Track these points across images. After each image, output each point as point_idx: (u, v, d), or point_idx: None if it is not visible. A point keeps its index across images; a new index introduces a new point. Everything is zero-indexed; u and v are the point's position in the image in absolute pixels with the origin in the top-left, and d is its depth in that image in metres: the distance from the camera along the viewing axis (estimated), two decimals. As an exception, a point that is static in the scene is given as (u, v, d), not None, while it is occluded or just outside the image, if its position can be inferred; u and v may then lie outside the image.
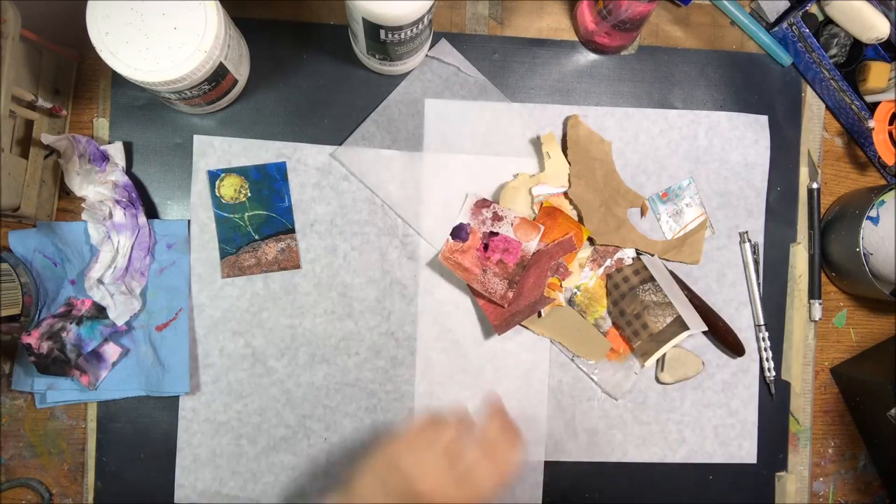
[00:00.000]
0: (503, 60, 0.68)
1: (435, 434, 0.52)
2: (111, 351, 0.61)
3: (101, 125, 0.64)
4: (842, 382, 0.72)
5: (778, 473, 0.71)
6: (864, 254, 0.66)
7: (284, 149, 0.65)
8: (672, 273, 0.68)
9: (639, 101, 0.69)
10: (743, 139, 0.70)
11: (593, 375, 0.67)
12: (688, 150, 0.69)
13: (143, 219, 0.61)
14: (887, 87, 0.68)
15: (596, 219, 0.66)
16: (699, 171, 0.70)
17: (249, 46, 0.64)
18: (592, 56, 0.69)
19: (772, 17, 0.70)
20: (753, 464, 0.70)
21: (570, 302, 0.67)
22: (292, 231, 0.64)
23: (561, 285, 0.66)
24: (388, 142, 0.66)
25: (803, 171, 0.72)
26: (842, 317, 0.73)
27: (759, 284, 0.70)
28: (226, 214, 0.64)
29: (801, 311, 0.71)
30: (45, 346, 0.59)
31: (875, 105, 0.68)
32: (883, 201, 0.67)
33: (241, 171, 0.64)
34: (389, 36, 0.56)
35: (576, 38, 0.69)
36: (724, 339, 0.68)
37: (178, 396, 0.63)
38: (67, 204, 0.63)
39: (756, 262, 0.70)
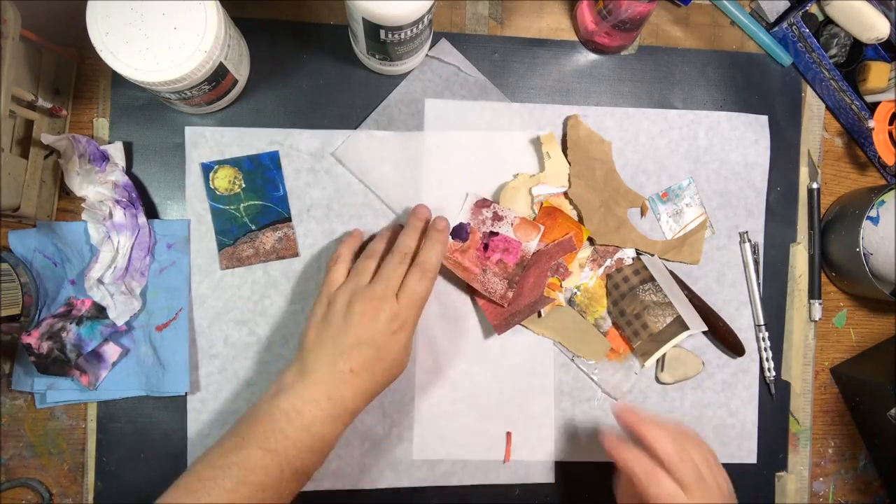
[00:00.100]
0: (503, 60, 0.68)
1: (363, 263, 0.58)
2: (111, 351, 0.61)
3: (101, 125, 0.64)
4: (842, 382, 0.72)
5: (778, 473, 0.71)
6: (864, 254, 0.66)
7: (276, 135, 0.64)
8: (672, 273, 0.68)
9: (639, 101, 0.69)
10: (743, 139, 0.70)
11: (593, 375, 0.67)
12: (688, 150, 0.69)
13: (143, 219, 0.61)
14: (887, 87, 0.68)
15: (596, 219, 0.66)
16: (699, 171, 0.70)
17: (249, 46, 0.64)
18: (592, 56, 0.69)
19: (772, 17, 0.70)
20: (753, 464, 0.70)
21: (570, 302, 0.67)
22: (289, 220, 0.64)
23: (561, 285, 0.66)
24: (389, 141, 0.66)
25: (803, 171, 0.72)
26: (842, 317, 0.73)
27: (759, 284, 0.70)
28: (221, 206, 0.64)
29: (801, 311, 0.71)
30: (45, 346, 0.59)
31: (875, 105, 0.68)
32: (883, 201, 0.67)
33: (234, 163, 0.64)
34: (389, 36, 0.56)
35: (576, 38, 0.69)
36: (724, 339, 0.68)
37: (180, 395, 0.63)
38: (67, 204, 0.63)
39: (756, 262, 0.70)
